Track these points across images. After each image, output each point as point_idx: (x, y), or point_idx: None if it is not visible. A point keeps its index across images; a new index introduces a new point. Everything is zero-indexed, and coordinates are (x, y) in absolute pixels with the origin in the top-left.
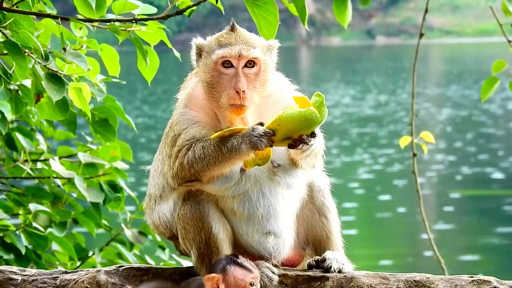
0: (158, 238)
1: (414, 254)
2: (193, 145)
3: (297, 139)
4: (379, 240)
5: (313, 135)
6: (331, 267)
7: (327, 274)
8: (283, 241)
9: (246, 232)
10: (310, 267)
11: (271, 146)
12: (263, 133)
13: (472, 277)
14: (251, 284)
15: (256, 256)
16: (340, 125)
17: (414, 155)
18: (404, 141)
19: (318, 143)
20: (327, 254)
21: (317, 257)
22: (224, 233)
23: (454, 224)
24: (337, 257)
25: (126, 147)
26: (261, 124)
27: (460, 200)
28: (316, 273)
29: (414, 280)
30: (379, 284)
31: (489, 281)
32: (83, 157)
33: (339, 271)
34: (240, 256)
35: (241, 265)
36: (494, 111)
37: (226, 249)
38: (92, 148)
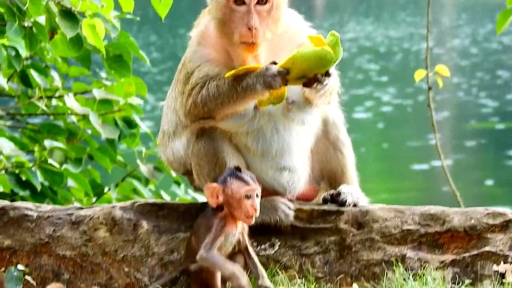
0: (174, 174)
1: (430, 188)
2: (207, 83)
3: (311, 78)
4: (395, 174)
5: (327, 74)
6: (346, 201)
7: (342, 208)
8: (298, 176)
9: (260, 168)
10: (325, 201)
11: (286, 85)
12: (278, 72)
13: (487, 209)
14: (247, 197)
15: (271, 192)
16: (353, 58)
17: (429, 88)
18: (419, 74)
19: (333, 82)
20: (342, 188)
21: (332, 191)
22: None
23: (471, 157)
24: (352, 191)
25: (141, 82)
26: (275, 63)
27: (478, 133)
28: (331, 207)
29: (429, 213)
30: (394, 217)
31: (504, 214)
32: (97, 93)
33: (354, 205)
34: (243, 170)
35: (239, 178)
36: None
37: None
38: (107, 84)
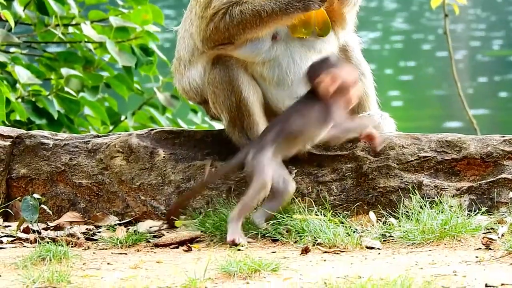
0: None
1: (449, 116)
2: (230, 8)
3: None
4: (413, 102)
5: None
6: (375, 122)
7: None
8: None
9: (276, 97)
10: None
11: (324, 2)
12: None
13: (503, 136)
14: (354, 83)
15: None
16: None
17: (446, 15)
18: (436, 1)
19: None
20: (372, 112)
21: (364, 114)
22: (255, 97)
23: (488, 85)
24: (381, 114)
25: (158, 10)
26: None
27: (496, 61)
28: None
29: (446, 140)
30: (411, 144)
31: None
32: (114, 21)
33: (376, 128)
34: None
35: (345, 65)
36: None
37: (257, 112)
38: (124, 11)
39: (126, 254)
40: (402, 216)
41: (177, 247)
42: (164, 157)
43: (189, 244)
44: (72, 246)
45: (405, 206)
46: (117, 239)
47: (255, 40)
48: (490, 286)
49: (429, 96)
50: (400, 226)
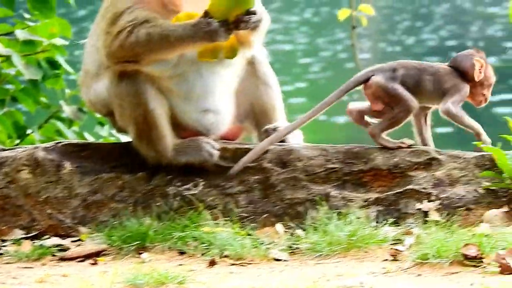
0: (97, 115)
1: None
2: (137, 28)
3: (235, 21)
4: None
5: (250, 12)
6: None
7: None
8: (222, 117)
9: (184, 110)
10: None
11: (230, 34)
12: (220, 24)
13: (410, 147)
14: (491, 85)
15: (195, 133)
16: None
17: (354, 27)
18: (343, 13)
19: (259, 19)
20: (279, 123)
21: (270, 125)
22: (162, 109)
23: None
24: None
25: (65, 23)
26: (207, 12)
27: None
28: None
29: (353, 152)
30: (318, 155)
31: (428, 152)
32: (21, 34)
33: (282, 140)
34: None
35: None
36: None
37: (164, 125)
38: (30, 25)
39: (32, 268)
40: (309, 228)
41: (83, 261)
42: (70, 170)
43: (95, 258)
44: None
45: (313, 218)
46: (23, 253)
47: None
48: None
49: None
50: (307, 237)
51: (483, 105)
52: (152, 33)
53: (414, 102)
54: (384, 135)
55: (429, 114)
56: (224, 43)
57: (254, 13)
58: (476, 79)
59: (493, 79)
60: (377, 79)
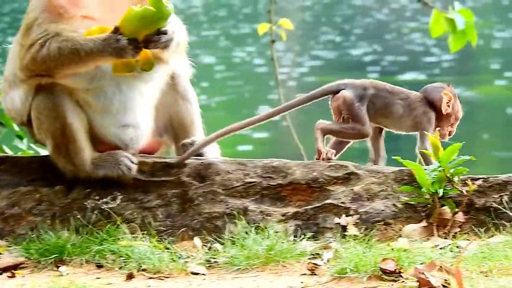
0: (16, 127)
1: (277, 142)
2: (47, 41)
3: (144, 40)
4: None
5: (160, 32)
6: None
7: (185, 161)
8: (142, 131)
9: (102, 124)
10: (185, 150)
11: (138, 53)
12: (128, 42)
13: (329, 162)
14: (457, 121)
15: (114, 147)
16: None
17: (273, 41)
18: (263, 28)
19: (171, 38)
20: (196, 137)
21: (188, 140)
22: (80, 123)
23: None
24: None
25: None
26: (117, 28)
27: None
28: (173, 159)
29: (272, 166)
30: (236, 170)
31: (346, 166)
32: None
33: (200, 155)
34: None
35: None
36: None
37: (82, 138)
38: None
39: None
40: (227, 242)
41: (0, 274)
42: None
43: (13, 271)
44: None
45: (231, 232)
46: None
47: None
48: None
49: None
50: (225, 251)
51: (447, 139)
52: (63, 47)
53: (369, 130)
54: (322, 140)
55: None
56: (140, 56)
57: (164, 33)
58: (444, 112)
59: (460, 114)
60: (347, 93)
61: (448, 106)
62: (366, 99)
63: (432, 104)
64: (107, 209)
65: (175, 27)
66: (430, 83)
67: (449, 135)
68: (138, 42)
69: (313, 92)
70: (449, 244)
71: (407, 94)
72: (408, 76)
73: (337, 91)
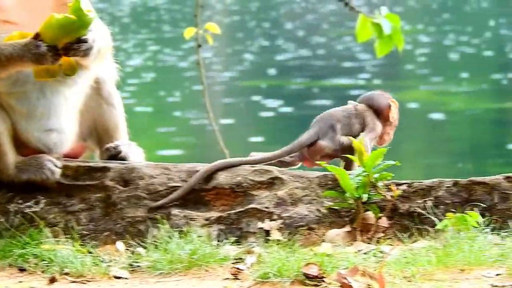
0: None
1: (203, 145)
2: None
3: (64, 47)
4: (169, 130)
5: (81, 41)
6: (125, 155)
7: (108, 165)
8: (66, 136)
9: (26, 128)
10: (109, 154)
11: (57, 60)
12: (47, 49)
13: (253, 166)
14: (393, 128)
15: (38, 151)
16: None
17: (199, 46)
18: (189, 32)
19: (89, 47)
20: (120, 142)
21: (112, 144)
22: (3, 127)
23: (238, 118)
24: (129, 143)
25: None
26: (37, 35)
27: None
28: (98, 163)
29: (196, 170)
30: (160, 174)
31: (271, 171)
32: None
33: (123, 159)
34: None
35: None
36: None
37: (5, 142)
38: None
39: None
40: (150, 246)
41: None
42: None
43: None
44: None
45: (154, 236)
46: None
47: None
48: None
49: (189, 125)
50: (148, 255)
51: (386, 144)
52: None
53: None
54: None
55: None
56: (62, 61)
57: (85, 41)
58: (391, 119)
59: (397, 121)
60: (324, 143)
61: (395, 114)
62: (338, 134)
63: (378, 112)
64: (30, 213)
65: (96, 34)
66: (357, 88)
67: (389, 141)
68: (57, 49)
69: (290, 146)
70: (373, 249)
71: (357, 109)
72: (336, 81)
73: (312, 143)
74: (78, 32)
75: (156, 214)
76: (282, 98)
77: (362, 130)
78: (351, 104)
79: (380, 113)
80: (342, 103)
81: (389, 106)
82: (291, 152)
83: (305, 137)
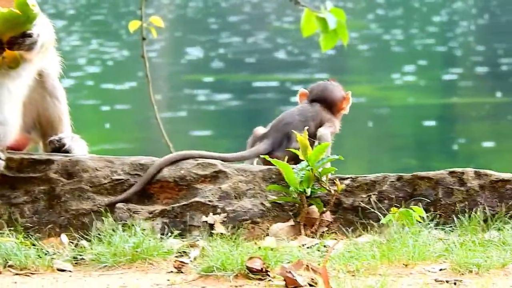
0: None
1: (147, 139)
2: None
3: (8, 41)
4: (113, 123)
5: (26, 35)
6: (70, 147)
7: (52, 157)
8: (9, 128)
9: None
10: (53, 147)
11: (1, 53)
12: None
13: (197, 160)
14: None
15: None
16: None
17: (144, 39)
18: (134, 25)
19: (33, 41)
20: (63, 135)
21: (55, 137)
22: None
23: (187, 111)
24: (72, 136)
25: None
26: None
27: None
28: (42, 156)
29: (140, 163)
30: (104, 167)
31: (215, 164)
32: None
33: (66, 152)
34: None
35: None
36: None
37: None
38: None
39: None
40: (94, 239)
41: None
42: None
43: None
44: None
45: (98, 229)
46: None
47: None
48: None
49: (133, 119)
50: (92, 248)
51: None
52: None
53: None
54: None
55: None
56: (6, 53)
57: (29, 35)
58: (346, 111)
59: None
60: (279, 154)
61: (348, 106)
62: (292, 142)
63: (331, 105)
64: None
65: (41, 29)
66: (303, 83)
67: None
68: (2, 43)
69: (247, 153)
70: (317, 244)
71: (313, 109)
72: (282, 75)
73: (268, 153)
74: (23, 27)
75: (100, 207)
76: (228, 92)
77: (313, 128)
78: (306, 104)
79: (333, 106)
80: (287, 97)
81: (343, 99)
82: (247, 158)
83: (262, 147)
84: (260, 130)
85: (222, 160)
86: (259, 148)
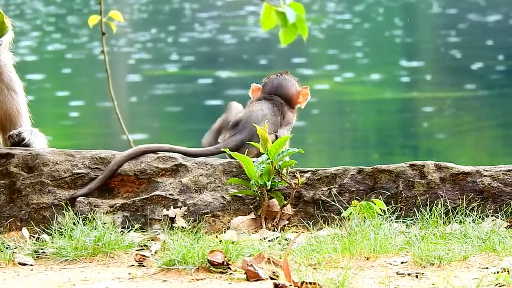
0: None
1: (108, 134)
2: None
3: None
4: (74, 117)
5: None
6: (29, 141)
7: (13, 151)
8: None
9: None
10: (13, 141)
11: None
12: None
13: (157, 154)
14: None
15: None
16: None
17: (103, 34)
18: (93, 20)
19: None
20: (22, 129)
21: (15, 131)
22: None
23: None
24: (31, 130)
25: None
26: None
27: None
28: (2, 150)
29: (100, 157)
30: (65, 161)
31: (175, 158)
32: None
33: (27, 145)
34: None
35: None
36: None
37: None
38: None
39: None
40: (55, 233)
41: None
42: None
43: None
44: None
45: (58, 223)
46: None
47: None
48: None
49: (93, 113)
50: (53, 242)
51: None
52: None
53: None
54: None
55: None
56: None
57: None
58: (303, 106)
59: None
60: (251, 150)
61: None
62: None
63: (288, 100)
64: None
65: (7, 36)
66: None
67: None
68: None
69: (211, 148)
70: (278, 237)
71: (276, 104)
72: (242, 70)
73: (236, 149)
74: None
75: (60, 201)
76: (190, 87)
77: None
78: (267, 98)
79: (291, 100)
80: (248, 91)
81: (299, 94)
82: (216, 154)
83: (233, 143)
84: (235, 105)
85: (187, 155)
86: (229, 144)
